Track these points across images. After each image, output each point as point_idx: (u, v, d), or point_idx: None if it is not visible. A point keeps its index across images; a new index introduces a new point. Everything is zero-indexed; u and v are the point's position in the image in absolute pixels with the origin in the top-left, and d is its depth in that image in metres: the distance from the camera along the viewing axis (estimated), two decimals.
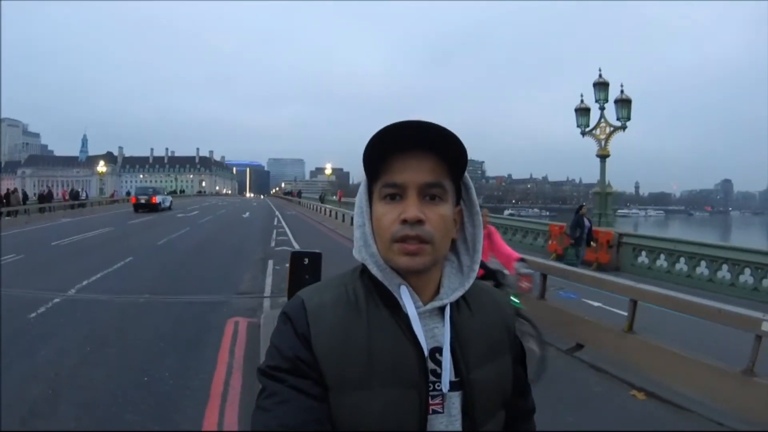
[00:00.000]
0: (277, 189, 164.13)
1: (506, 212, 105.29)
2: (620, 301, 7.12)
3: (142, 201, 38.03)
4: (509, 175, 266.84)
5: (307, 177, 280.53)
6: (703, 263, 12.36)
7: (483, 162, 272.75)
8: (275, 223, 29.03)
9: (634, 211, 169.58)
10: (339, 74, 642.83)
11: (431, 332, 1.00)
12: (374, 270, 1.00)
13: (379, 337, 0.96)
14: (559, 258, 14.49)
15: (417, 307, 0.99)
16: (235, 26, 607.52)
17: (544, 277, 7.75)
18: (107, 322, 7.85)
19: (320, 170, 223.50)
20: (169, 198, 45.05)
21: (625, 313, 6.87)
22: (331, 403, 0.93)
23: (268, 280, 11.22)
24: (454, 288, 1.05)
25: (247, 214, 39.16)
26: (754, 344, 4.83)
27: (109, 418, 4.59)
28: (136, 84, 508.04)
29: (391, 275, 1.00)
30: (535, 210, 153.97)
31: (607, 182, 16.71)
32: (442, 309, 1.02)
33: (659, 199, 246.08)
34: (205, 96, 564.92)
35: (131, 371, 5.75)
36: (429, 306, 1.00)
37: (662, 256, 13.44)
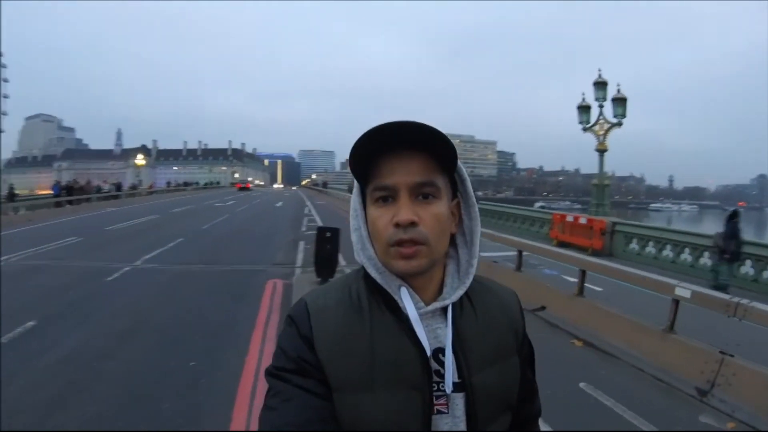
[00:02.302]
0: (308, 180, 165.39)
1: (537, 204, 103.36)
2: (594, 278, 8.15)
3: (243, 186, 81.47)
4: (540, 167, 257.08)
5: (338, 168, 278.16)
6: (686, 250, 13.13)
7: (514, 153, 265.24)
8: (306, 211, 30.43)
9: (667, 205, 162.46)
10: (366, 68, 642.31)
11: (434, 333, 1.00)
12: (373, 273, 1.01)
13: (382, 339, 0.97)
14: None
15: (418, 308, 0.99)
16: (264, 25, 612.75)
17: (519, 253, 9.30)
18: (171, 283, 9.90)
19: None
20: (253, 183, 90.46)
21: (595, 287, 8.53)
22: (335, 404, 0.94)
23: (299, 256, 13.17)
24: (456, 287, 1.04)
25: (280, 203, 40.69)
26: (672, 306, 5.84)
27: (182, 338, 6.55)
28: (167, 79, 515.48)
29: (390, 277, 1.00)
30: (567, 202, 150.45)
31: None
32: (445, 309, 1.02)
33: (694, 194, 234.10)
34: (235, 91, 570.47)
35: (195, 312, 7.78)
36: (430, 307, 1.00)
37: (651, 243, 14.25)
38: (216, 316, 7.56)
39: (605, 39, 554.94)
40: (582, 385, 5.35)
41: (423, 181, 0.97)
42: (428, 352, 0.97)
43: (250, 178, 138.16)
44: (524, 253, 9.55)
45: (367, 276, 1.04)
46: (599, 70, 17.57)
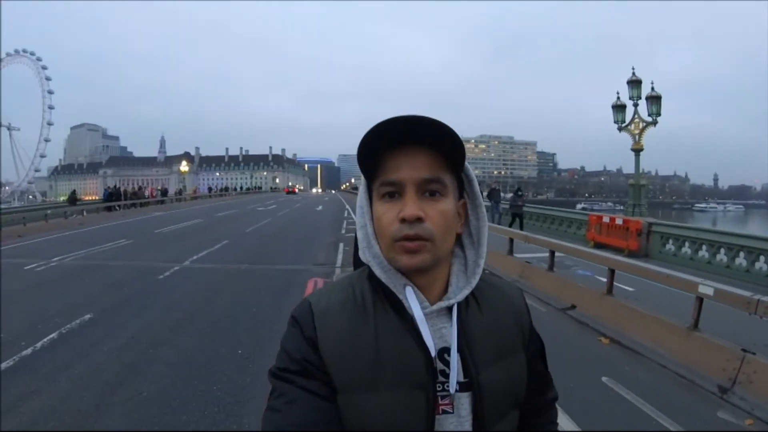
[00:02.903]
0: (347, 184, 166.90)
1: (578, 206, 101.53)
2: (627, 278, 8.50)
3: (290, 190, 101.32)
4: (582, 168, 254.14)
5: None
6: (722, 250, 12.92)
7: (555, 154, 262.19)
8: (345, 215, 30.75)
9: (712, 205, 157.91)
10: (401, 70, 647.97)
11: (439, 332, 0.99)
12: (378, 271, 1.01)
13: (386, 339, 0.97)
14: None
15: (423, 308, 0.99)
16: (300, 27, 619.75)
17: (552, 253, 9.48)
18: (219, 280, 10.57)
19: None
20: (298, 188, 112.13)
21: (627, 287, 8.76)
22: (339, 405, 0.94)
23: (339, 256, 13.67)
24: (461, 286, 1.04)
25: (320, 207, 41.26)
26: (695, 304, 5.92)
27: (230, 330, 7.11)
28: (208, 87, 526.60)
29: (396, 276, 1.00)
30: (609, 204, 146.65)
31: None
32: (450, 308, 1.01)
33: (739, 193, 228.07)
34: (275, 97, 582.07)
35: (242, 306, 8.36)
36: (435, 307, 1.00)
37: (686, 244, 14.07)
38: (261, 310, 8.10)
39: (650, 33, 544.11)
40: (604, 379, 5.50)
41: (430, 178, 0.96)
42: (433, 353, 0.97)
43: (290, 183, 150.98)
44: (559, 254, 9.69)
45: (371, 275, 1.04)
46: (633, 69, 17.53)
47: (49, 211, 25.02)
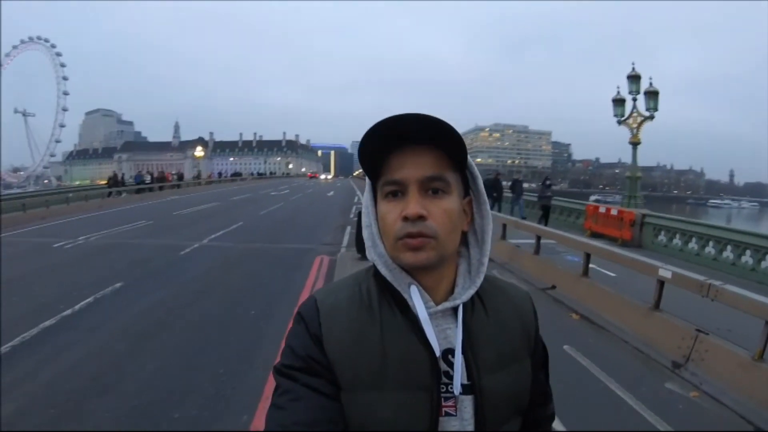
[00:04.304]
0: (359, 171, 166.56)
1: (592, 198, 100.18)
2: (610, 265, 9.19)
3: (313, 175, 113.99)
4: (597, 159, 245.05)
5: None
6: (710, 243, 13.23)
7: (569, 144, 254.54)
8: (355, 200, 31.41)
9: (726, 201, 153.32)
10: (417, 62, 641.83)
11: (443, 333, 0.98)
12: (383, 270, 1.00)
13: (392, 339, 0.96)
14: None
15: (428, 308, 0.98)
16: (316, 19, 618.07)
17: (538, 238, 10.21)
18: (235, 257, 11.62)
19: None
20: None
21: (609, 273, 9.54)
22: (343, 403, 0.94)
23: (345, 238, 14.62)
24: (467, 287, 1.03)
25: (332, 193, 42.18)
26: (656, 286, 6.40)
27: (244, 296, 8.16)
28: (221, 75, 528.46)
29: (401, 275, 0.99)
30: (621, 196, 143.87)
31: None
32: (456, 309, 1.00)
33: (755, 190, 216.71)
34: (289, 86, 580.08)
35: (255, 278, 9.46)
36: (440, 307, 0.99)
37: (677, 236, 14.43)
38: (272, 281, 9.13)
39: (663, 28, 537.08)
40: (565, 347, 6.06)
41: (432, 176, 0.95)
42: (437, 353, 0.96)
43: (303, 169, 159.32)
44: (550, 241, 10.46)
45: (377, 274, 1.03)
46: (633, 64, 17.92)
47: (70, 195, 25.74)
